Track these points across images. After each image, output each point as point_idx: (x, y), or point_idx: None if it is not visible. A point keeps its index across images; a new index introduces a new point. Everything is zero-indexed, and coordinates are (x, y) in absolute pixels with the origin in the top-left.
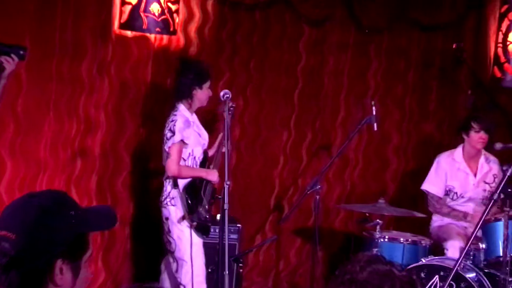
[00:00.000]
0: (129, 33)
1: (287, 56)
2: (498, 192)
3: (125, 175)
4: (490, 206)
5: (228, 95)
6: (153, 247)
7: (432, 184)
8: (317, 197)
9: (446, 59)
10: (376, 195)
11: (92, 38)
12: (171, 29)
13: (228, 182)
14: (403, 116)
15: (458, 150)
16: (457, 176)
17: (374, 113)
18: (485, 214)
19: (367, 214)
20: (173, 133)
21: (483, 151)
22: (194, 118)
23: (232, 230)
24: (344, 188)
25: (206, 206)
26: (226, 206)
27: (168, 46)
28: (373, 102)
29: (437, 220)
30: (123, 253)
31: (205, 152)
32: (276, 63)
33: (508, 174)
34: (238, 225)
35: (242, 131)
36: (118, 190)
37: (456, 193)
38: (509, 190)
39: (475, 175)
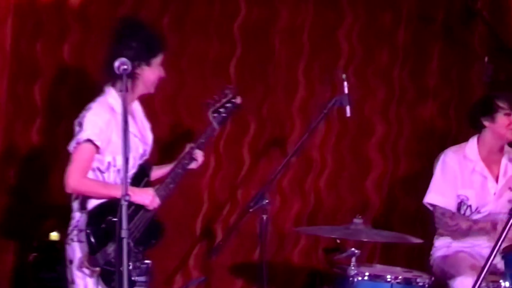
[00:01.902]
0: None
1: (218, 9)
2: None
3: None
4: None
5: (126, 66)
6: None
7: (440, 194)
8: (265, 217)
9: (452, 11)
10: (352, 212)
11: None
12: None
13: (127, 198)
14: (391, 95)
15: (472, 144)
16: (472, 182)
17: (346, 91)
18: (504, 234)
19: (339, 241)
20: (81, 127)
21: (506, 147)
22: (134, 109)
23: (137, 270)
24: (305, 203)
25: (131, 244)
26: (124, 234)
27: None
28: (344, 75)
29: (441, 248)
30: None
31: (145, 164)
32: (202, 20)
33: None
34: (147, 261)
35: (153, 120)
36: None
37: (470, 206)
38: None
39: (496, 179)
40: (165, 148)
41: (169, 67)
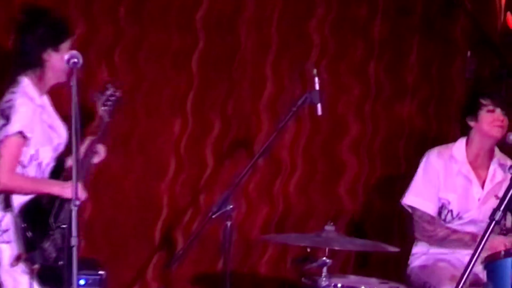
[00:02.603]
0: None
1: None
2: (502, 209)
3: None
4: (490, 230)
5: (76, 60)
6: None
7: (419, 196)
8: (229, 224)
9: (432, 1)
10: (324, 218)
11: None
12: None
13: (77, 202)
14: (366, 92)
15: (459, 145)
16: (455, 185)
17: (317, 87)
18: (484, 242)
19: (309, 250)
20: (8, 120)
21: (497, 151)
22: (44, 101)
23: (90, 281)
24: (273, 208)
25: (59, 240)
26: (74, 241)
27: None
28: (315, 71)
29: (419, 256)
30: None
31: (61, 158)
32: (161, 9)
33: None
34: (100, 272)
35: None
36: None
37: (451, 211)
38: None
39: (482, 185)
40: (124, 147)
41: (126, 61)
